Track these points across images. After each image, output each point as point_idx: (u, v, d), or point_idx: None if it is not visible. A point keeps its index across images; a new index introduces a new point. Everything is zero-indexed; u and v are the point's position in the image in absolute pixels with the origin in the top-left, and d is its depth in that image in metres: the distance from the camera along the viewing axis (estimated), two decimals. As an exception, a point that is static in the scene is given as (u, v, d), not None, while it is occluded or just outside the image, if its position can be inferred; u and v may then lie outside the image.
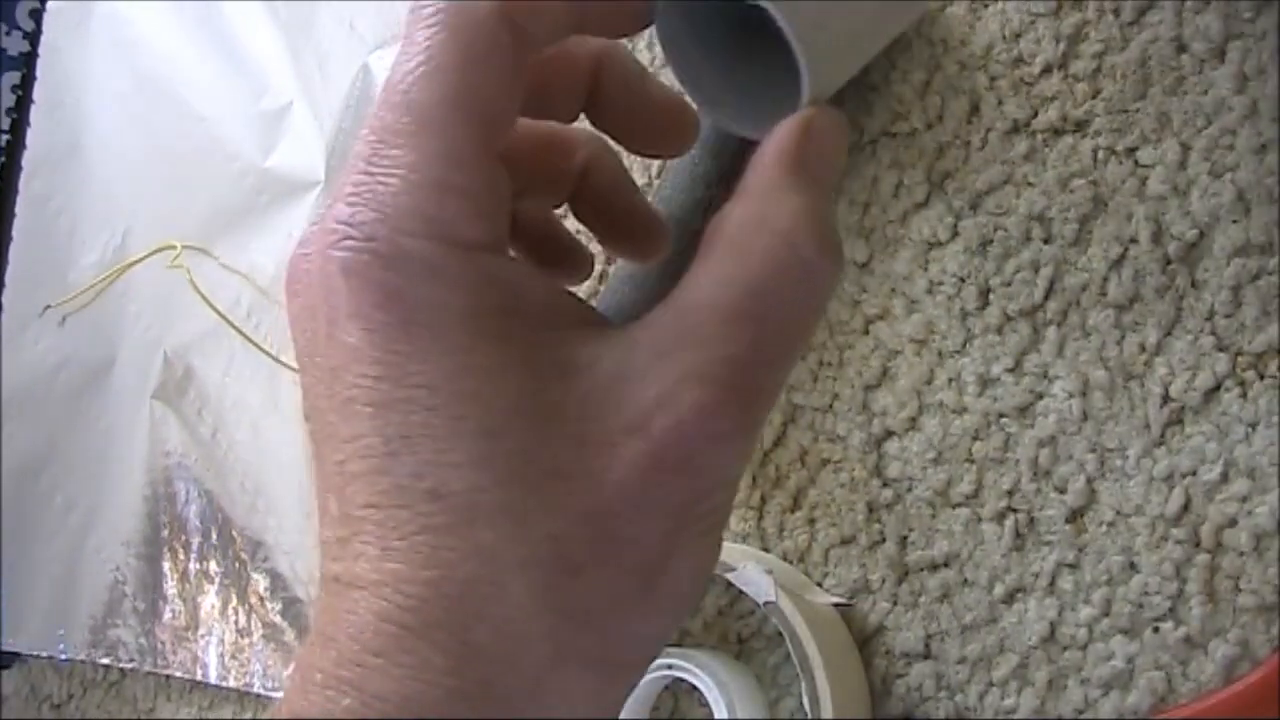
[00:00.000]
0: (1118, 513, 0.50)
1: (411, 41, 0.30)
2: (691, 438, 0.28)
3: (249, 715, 0.75)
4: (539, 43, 0.31)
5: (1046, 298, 0.52)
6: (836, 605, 0.55)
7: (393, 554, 0.28)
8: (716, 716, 0.53)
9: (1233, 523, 0.48)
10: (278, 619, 0.73)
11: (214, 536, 0.77)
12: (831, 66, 0.34)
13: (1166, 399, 0.49)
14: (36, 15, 0.91)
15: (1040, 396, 0.52)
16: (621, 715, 0.54)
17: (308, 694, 0.28)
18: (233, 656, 0.75)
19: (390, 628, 0.27)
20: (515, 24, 0.30)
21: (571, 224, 0.38)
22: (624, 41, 0.35)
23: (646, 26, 0.33)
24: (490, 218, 0.29)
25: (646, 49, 0.63)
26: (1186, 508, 0.49)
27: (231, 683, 0.75)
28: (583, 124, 0.36)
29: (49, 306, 0.86)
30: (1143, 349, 0.50)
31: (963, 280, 0.54)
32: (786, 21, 0.32)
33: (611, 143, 0.36)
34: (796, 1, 0.32)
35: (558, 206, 0.37)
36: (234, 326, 0.75)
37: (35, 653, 0.84)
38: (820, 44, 0.33)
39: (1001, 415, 0.53)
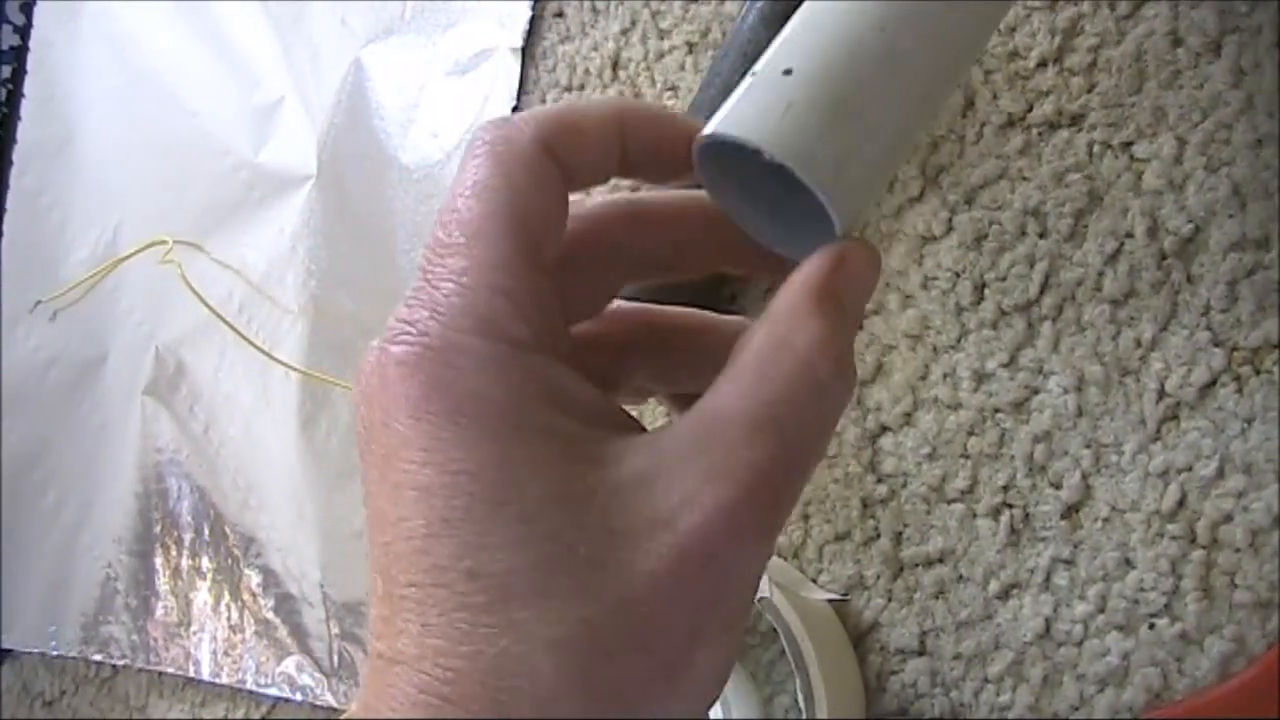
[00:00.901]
0: (1113, 508, 0.50)
1: (462, 172, 0.32)
2: (715, 535, 0.29)
3: (241, 712, 0.74)
4: (582, 175, 0.34)
5: (1042, 293, 0.52)
6: (831, 601, 0.54)
7: (431, 630, 0.29)
8: (710, 714, 0.52)
9: (1228, 519, 0.48)
10: (270, 615, 0.73)
11: (206, 533, 0.76)
12: (861, 197, 0.35)
13: (1162, 394, 0.49)
14: (28, 9, 0.91)
15: (1035, 392, 0.52)
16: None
17: None
18: (225, 653, 0.74)
19: (430, 699, 0.29)
20: (555, 154, 0.33)
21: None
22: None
23: (690, 173, 0.35)
24: (535, 320, 0.31)
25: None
26: (1182, 503, 0.48)
27: (224, 680, 0.74)
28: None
29: (40, 302, 0.85)
30: (1138, 344, 0.50)
31: (958, 275, 0.54)
32: (807, 176, 0.33)
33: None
34: (816, 150, 0.34)
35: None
36: (226, 322, 0.75)
37: (27, 649, 0.84)
38: (845, 183, 0.34)
39: (997, 410, 0.52)
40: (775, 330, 0.32)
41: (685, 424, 0.31)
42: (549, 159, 0.33)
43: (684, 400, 0.39)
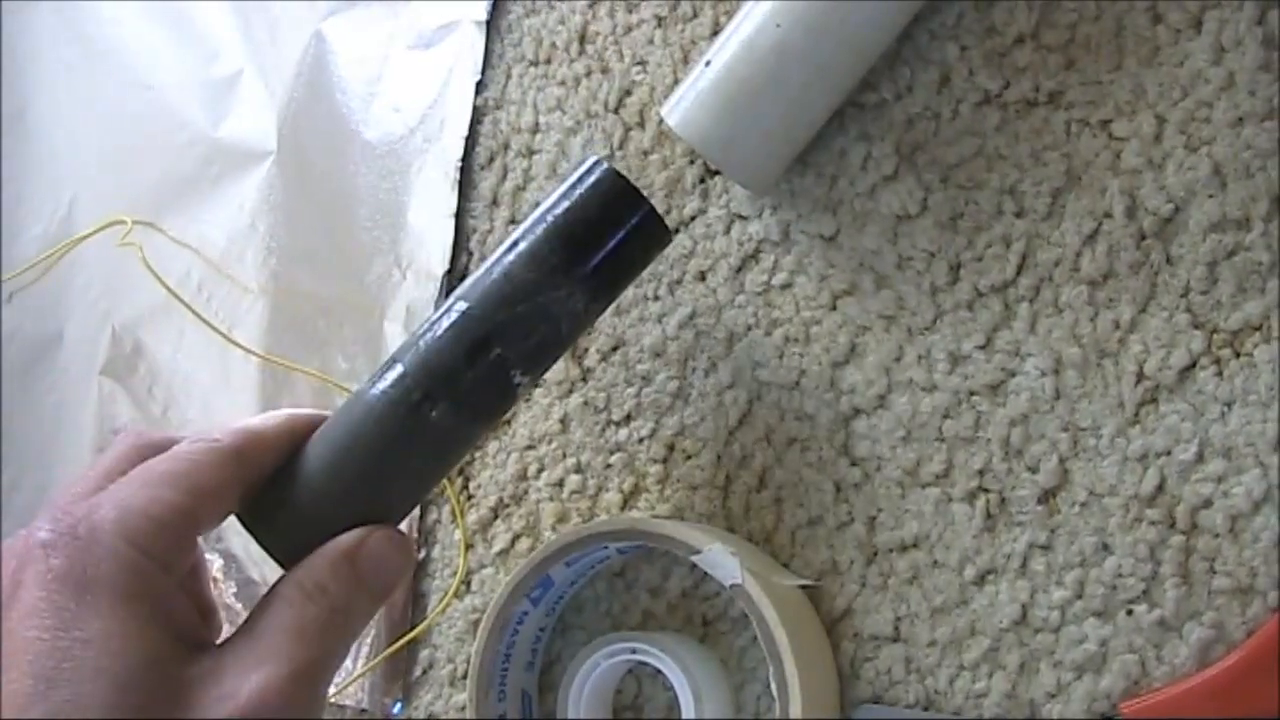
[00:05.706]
0: (1091, 493, 0.49)
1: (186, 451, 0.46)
2: (264, 698, 0.41)
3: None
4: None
5: (1018, 273, 0.51)
6: (804, 587, 0.54)
7: None
8: (681, 700, 0.52)
9: (1208, 503, 0.47)
10: (231, 600, 0.71)
11: (165, 516, 0.75)
12: (755, 166, 0.53)
13: (1141, 377, 0.49)
14: (-22, -21, 0.89)
15: (1012, 374, 0.51)
16: (585, 699, 0.53)
17: None
18: (185, 639, 0.73)
19: None
20: (242, 458, 0.47)
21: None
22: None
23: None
24: (175, 550, 0.43)
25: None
26: (1161, 488, 0.48)
27: (184, 666, 0.73)
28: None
29: (-7, 281, 0.84)
30: (1117, 326, 0.49)
31: (933, 255, 0.53)
32: (703, 151, 0.58)
33: None
34: (711, 130, 0.52)
35: None
36: (184, 304, 0.73)
37: (-18, 635, 0.82)
38: (737, 156, 0.53)
39: (972, 393, 0.52)
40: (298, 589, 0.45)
41: (242, 636, 0.43)
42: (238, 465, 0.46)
43: None
